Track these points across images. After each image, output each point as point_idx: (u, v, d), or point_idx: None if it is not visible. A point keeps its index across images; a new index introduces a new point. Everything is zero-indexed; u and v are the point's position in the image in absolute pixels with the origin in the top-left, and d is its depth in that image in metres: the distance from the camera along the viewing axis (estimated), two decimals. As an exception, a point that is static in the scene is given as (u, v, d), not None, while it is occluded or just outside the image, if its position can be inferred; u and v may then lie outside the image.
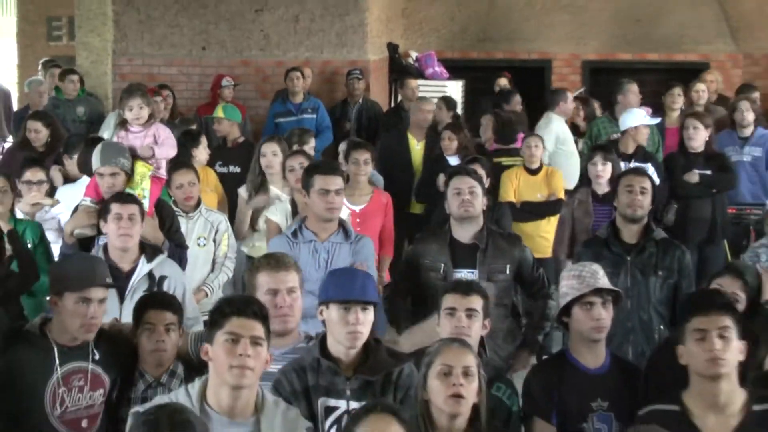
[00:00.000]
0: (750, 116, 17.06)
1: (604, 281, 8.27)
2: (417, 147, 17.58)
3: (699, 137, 15.56)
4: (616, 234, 10.64)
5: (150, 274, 10.03)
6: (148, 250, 10.28)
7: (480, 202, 10.69)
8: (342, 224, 10.77)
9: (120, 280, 9.76)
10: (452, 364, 6.95)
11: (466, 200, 10.55)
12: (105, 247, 10.21)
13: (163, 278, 10.05)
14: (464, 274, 10.34)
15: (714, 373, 7.09)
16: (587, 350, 8.16)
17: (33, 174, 12.32)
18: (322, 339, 7.77)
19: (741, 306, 8.60)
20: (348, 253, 10.47)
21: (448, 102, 19.44)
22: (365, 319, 7.68)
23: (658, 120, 17.81)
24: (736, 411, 7.09)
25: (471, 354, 7.09)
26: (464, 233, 10.58)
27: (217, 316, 6.82)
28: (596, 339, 8.15)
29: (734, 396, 7.16)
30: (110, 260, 9.95)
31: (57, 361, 7.90)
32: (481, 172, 12.25)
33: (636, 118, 16.55)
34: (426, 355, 7.13)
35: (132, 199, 10.41)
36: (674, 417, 6.96)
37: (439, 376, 6.95)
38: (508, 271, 10.46)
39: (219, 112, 18.08)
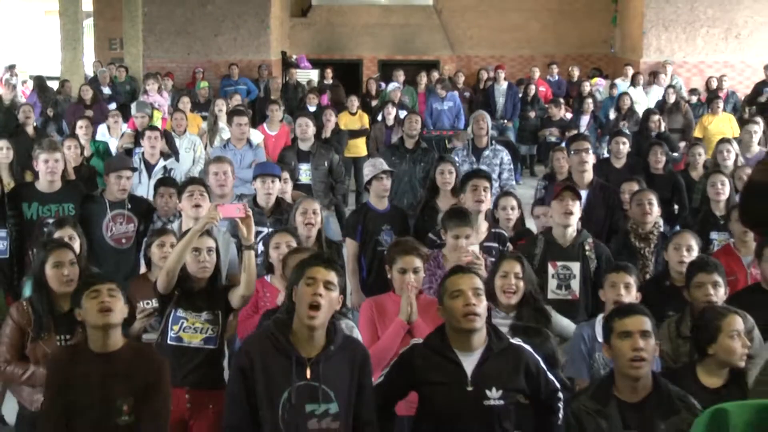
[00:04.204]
0: (441, 89, 17.14)
1: (383, 167, 8.07)
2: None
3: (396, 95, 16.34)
4: (402, 143, 10.48)
5: (165, 167, 9.93)
6: (165, 154, 10.22)
7: (313, 131, 10.60)
8: (248, 140, 10.55)
9: (150, 168, 9.87)
10: (307, 207, 6.87)
11: (303, 130, 10.44)
12: (142, 154, 10.11)
13: (171, 169, 9.94)
14: (303, 166, 10.22)
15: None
16: (378, 201, 7.97)
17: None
18: (255, 197, 7.62)
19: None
20: (251, 156, 10.25)
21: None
22: (273, 186, 7.57)
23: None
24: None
25: (317, 204, 6.98)
26: (304, 146, 10.39)
27: (180, 187, 7.16)
28: (383, 196, 7.97)
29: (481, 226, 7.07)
30: (145, 159, 10.01)
31: (108, 210, 7.74)
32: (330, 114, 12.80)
33: (393, 86, 17.57)
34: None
35: (156, 129, 10.51)
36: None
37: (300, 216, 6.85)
38: (325, 165, 10.22)
39: (202, 85, 18.36)
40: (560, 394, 4.60)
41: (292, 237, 6.36)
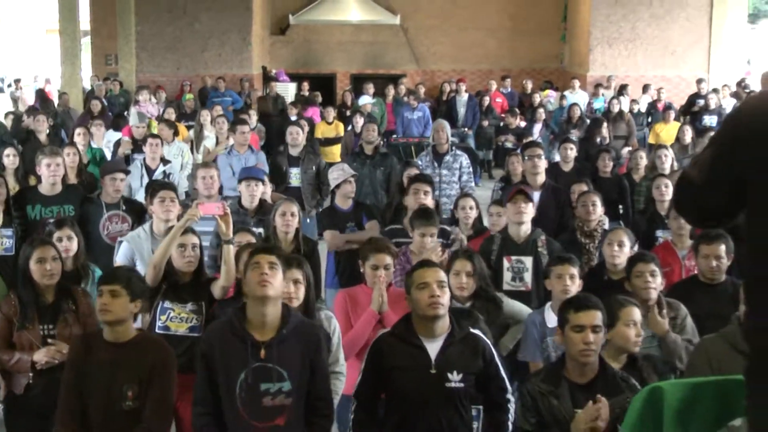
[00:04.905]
0: (414, 100, 17.03)
1: (351, 171, 8.12)
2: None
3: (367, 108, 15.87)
4: (363, 150, 10.44)
5: (164, 172, 9.84)
6: (164, 160, 10.09)
7: (303, 139, 10.53)
8: (250, 146, 10.53)
9: (150, 173, 9.76)
10: (286, 209, 6.87)
11: (294, 137, 10.38)
12: (144, 159, 10.02)
13: (170, 174, 9.84)
14: (293, 170, 10.18)
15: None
16: (344, 202, 7.98)
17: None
18: (239, 200, 7.57)
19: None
20: (254, 160, 10.16)
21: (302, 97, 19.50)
22: (257, 189, 7.54)
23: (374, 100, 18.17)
24: None
25: (296, 206, 6.95)
26: (294, 152, 10.35)
27: (151, 191, 6.82)
28: (349, 197, 7.99)
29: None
30: (146, 164, 9.90)
31: (105, 210, 7.67)
32: (304, 123, 12.30)
33: (365, 99, 17.48)
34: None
35: (158, 137, 10.34)
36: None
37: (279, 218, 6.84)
38: (313, 169, 10.19)
39: (188, 97, 18.09)
40: (510, 396, 4.63)
41: (251, 236, 6.36)
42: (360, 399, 4.59)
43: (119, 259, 6.58)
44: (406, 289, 4.67)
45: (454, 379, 4.45)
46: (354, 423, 4.58)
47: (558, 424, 4.26)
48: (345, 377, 5.15)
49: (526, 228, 6.71)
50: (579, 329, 4.32)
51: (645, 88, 19.76)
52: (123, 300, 4.69)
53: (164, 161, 10.14)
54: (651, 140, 15.22)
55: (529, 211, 6.69)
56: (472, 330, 4.65)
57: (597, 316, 4.37)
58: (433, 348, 4.49)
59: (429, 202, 7.24)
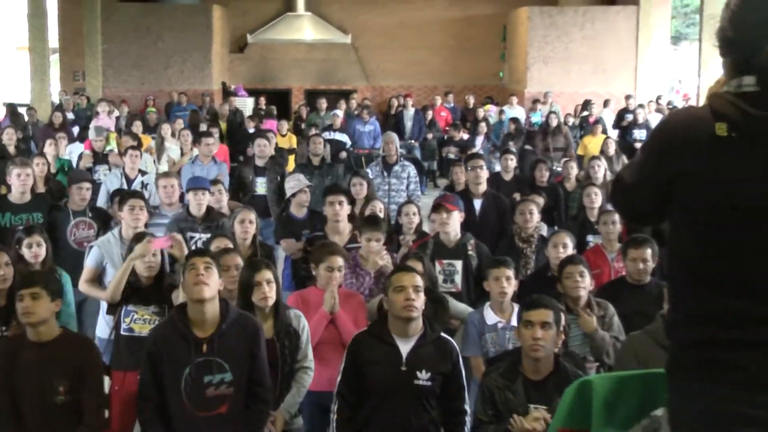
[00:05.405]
0: (366, 114, 16.90)
1: (306, 182, 8.09)
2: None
3: (337, 120, 15.61)
4: (310, 161, 10.34)
5: (142, 182, 9.57)
6: (141, 172, 9.88)
7: (270, 150, 10.33)
8: (213, 157, 10.38)
9: (129, 183, 9.54)
10: (244, 216, 6.79)
11: (261, 149, 10.22)
12: (123, 168, 9.82)
13: (147, 184, 9.52)
14: (259, 179, 10.01)
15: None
16: (299, 210, 7.93)
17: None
18: (187, 207, 7.44)
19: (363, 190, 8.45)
20: (217, 170, 10.04)
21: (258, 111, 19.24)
22: (204, 197, 7.45)
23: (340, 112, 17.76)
24: None
25: (253, 214, 6.86)
26: (260, 162, 10.17)
27: (120, 199, 6.73)
28: (304, 206, 7.94)
29: (344, 231, 7.08)
30: (126, 173, 9.69)
31: (72, 217, 7.62)
32: (271, 135, 11.93)
33: (335, 112, 16.77)
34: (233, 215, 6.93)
35: (137, 148, 10.12)
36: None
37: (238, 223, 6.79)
38: (278, 179, 9.80)
39: (150, 111, 17.82)
40: (467, 406, 4.67)
41: (229, 240, 6.33)
42: (343, 396, 4.60)
43: (89, 262, 6.49)
44: (384, 291, 4.75)
45: (423, 377, 4.52)
46: (338, 422, 4.58)
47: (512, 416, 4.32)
48: (313, 372, 5.13)
49: (456, 233, 6.77)
50: (529, 324, 4.39)
51: (585, 105, 19.82)
52: (44, 301, 4.65)
53: (142, 172, 10.03)
54: (579, 152, 15.31)
55: (452, 220, 6.75)
56: (442, 334, 4.72)
57: (546, 314, 4.43)
58: (405, 347, 4.57)
59: (345, 211, 7.15)
